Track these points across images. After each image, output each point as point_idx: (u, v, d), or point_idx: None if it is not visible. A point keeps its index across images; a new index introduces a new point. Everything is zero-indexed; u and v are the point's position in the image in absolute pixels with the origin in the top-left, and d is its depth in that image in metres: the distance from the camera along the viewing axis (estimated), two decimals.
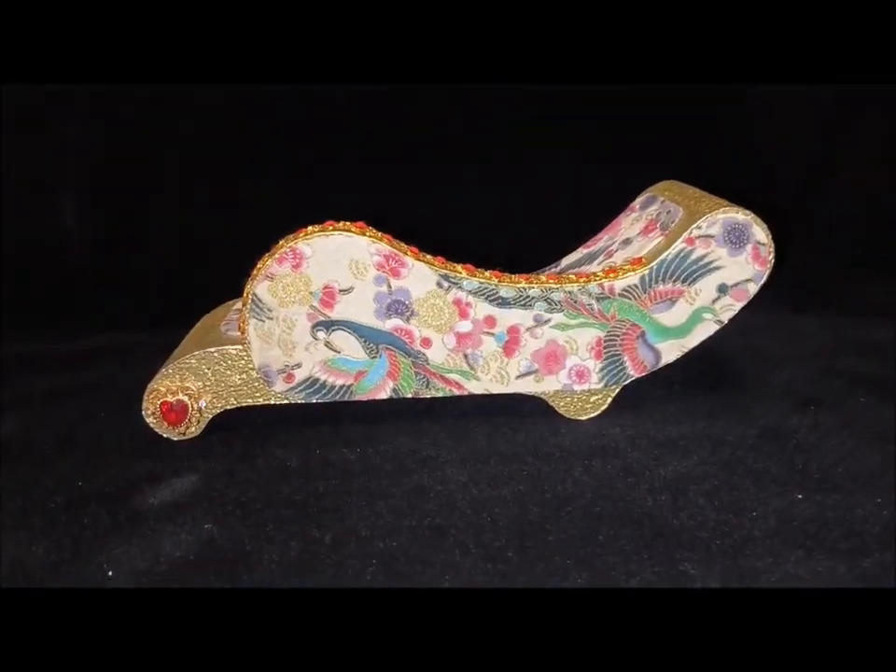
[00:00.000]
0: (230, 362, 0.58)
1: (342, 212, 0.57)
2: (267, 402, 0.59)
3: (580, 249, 0.70)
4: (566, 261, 0.69)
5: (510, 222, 0.87)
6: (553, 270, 0.68)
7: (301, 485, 0.53)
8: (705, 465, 0.53)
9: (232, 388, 0.59)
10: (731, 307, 0.58)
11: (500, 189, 0.88)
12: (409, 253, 0.56)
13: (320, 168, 0.86)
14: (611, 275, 0.57)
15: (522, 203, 0.88)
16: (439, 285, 0.57)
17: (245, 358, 0.58)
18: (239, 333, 0.58)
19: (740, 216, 0.57)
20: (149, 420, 0.59)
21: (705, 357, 0.64)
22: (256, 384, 0.58)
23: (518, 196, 0.88)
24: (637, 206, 0.67)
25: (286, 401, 0.59)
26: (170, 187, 0.87)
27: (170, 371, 0.58)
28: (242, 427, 0.61)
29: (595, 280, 0.57)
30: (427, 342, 0.58)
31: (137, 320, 0.85)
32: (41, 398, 0.69)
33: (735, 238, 0.57)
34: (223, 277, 0.63)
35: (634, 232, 0.64)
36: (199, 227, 0.88)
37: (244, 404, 0.59)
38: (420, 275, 0.56)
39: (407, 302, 0.57)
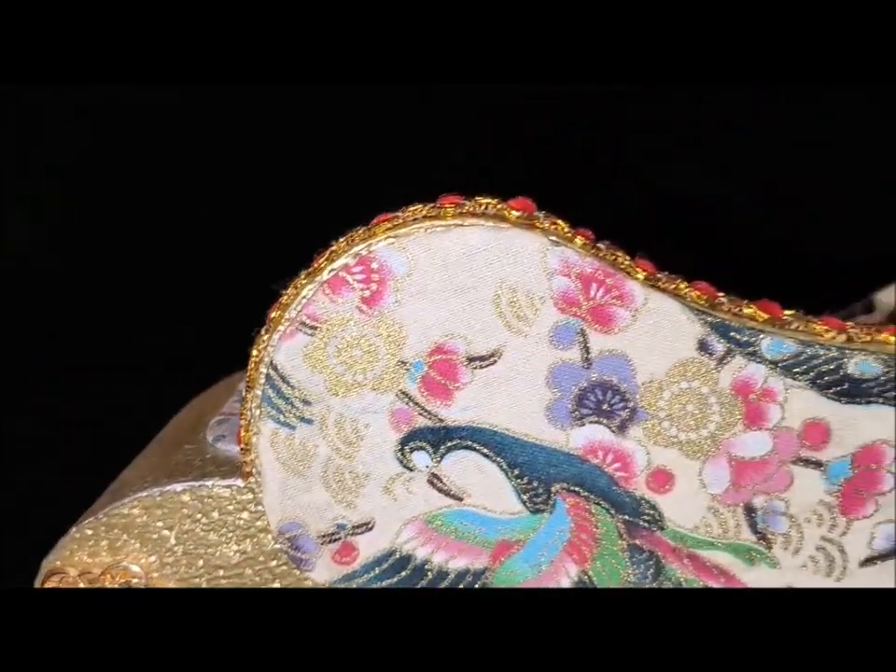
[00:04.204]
0: (214, 515, 0.26)
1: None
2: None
3: None
4: (885, 298, 0.36)
5: None
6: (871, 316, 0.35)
7: None
8: None
9: (222, 572, 0.26)
10: None
11: None
12: (636, 271, 0.24)
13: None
14: None
15: None
16: (703, 348, 0.24)
17: (250, 509, 0.26)
18: (238, 448, 0.26)
19: None
20: None
21: None
22: (273, 564, 0.26)
23: None
24: None
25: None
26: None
27: (89, 529, 0.26)
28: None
29: None
30: (661, 478, 0.25)
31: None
32: None
33: None
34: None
35: None
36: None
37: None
38: (662, 324, 0.24)
39: (625, 388, 0.24)
